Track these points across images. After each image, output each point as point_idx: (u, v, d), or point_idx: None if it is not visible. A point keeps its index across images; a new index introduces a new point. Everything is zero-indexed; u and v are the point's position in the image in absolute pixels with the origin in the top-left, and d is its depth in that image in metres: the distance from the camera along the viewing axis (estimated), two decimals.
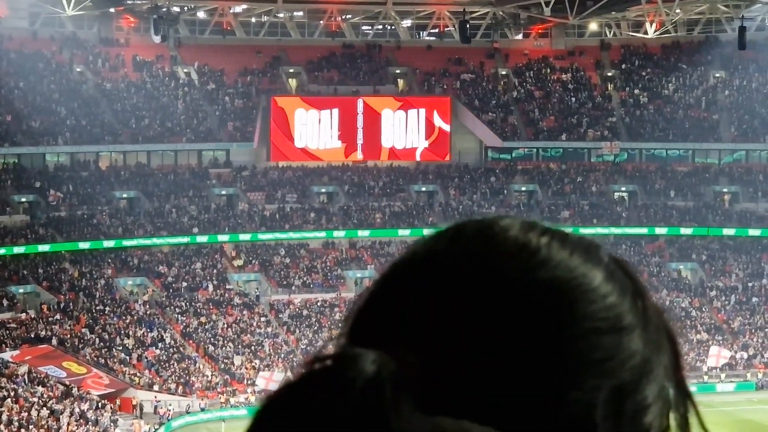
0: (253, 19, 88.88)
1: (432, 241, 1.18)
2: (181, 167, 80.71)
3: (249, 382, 65.65)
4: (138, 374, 64.07)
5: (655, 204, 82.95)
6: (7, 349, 62.30)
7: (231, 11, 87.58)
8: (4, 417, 52.94)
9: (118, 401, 60.41)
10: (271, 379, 62.51)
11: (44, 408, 54.98)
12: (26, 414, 53.92)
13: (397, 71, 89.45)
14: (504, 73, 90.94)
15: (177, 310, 70.99)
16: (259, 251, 77.24)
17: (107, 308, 69.06)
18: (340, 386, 1.04)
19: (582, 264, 1.16)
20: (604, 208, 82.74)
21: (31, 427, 53.09)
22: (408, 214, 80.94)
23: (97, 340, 66.03)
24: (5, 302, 66.63)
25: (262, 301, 73.77)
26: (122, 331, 67.48)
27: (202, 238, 75.98)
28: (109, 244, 72.94)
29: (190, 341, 68.74)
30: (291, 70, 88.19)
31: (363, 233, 79.33)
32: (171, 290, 72.63)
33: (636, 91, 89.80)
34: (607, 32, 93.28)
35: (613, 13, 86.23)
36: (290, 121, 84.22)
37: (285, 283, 75.36)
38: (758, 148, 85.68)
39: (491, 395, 1.09)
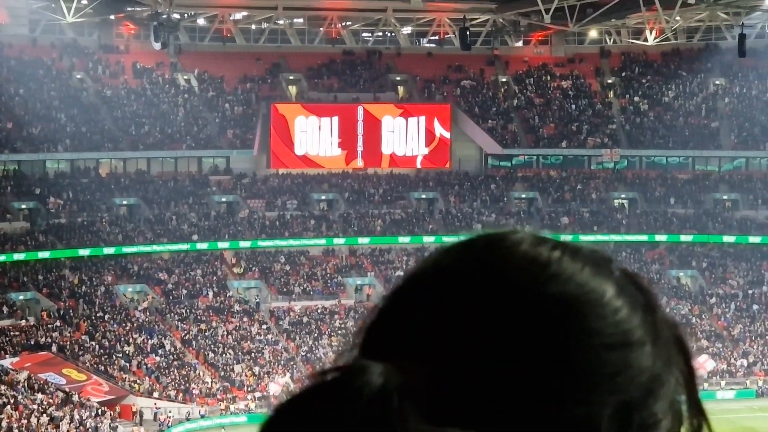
0: (253, 26, 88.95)
1: (443, 255, 1.19)
2: (181, 174, 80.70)
3: (249, 389, 65.65)
4: (138, 381, 64.01)
5: (655, 211, 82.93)
6: (7, 356, 62.25)
7: (231, 18, 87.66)
8: (4, 424, 52.86)
9: (117, 408, 60.36)
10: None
11: (44, 415, 54.95)
12: (26, 421, 53.89)
13: (398, 78, 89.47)
14: (504, 80, 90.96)
15: (177, 317, 70.94)
16: (259, 258, 77.20)
17: (107, 315, 69.00)
18: (347, 397, 1.06)
19: (593, 278, 1.16)
20: (604, 216, 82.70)
21: None
22: (408, 222, 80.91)
23: (97, 347, 65.98)
24: (5, 309, 66.56)
25: (262, 308, 73.71)
26: (122, 338, 67.44)
27: (202, 245, 75.93)
28: (109, 251, 72.91)
29: (190, 348, 68.69)
30: (291, 77, 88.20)
31: (363, 240, 79.30)
32: (171, 297, 72.59)
33: (636, 99, 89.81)
34: (607, 39, 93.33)
35: (613, 20, 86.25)
36: (290, 128, 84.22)
37: (285, 290, 75.31)
38: (758, 155, 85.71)
39: (498, 407, 1.10)
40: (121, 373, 64.34)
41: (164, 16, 79.16)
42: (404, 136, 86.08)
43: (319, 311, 73.49)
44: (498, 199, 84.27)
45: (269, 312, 73.42)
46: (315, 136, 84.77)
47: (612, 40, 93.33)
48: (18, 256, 69.82)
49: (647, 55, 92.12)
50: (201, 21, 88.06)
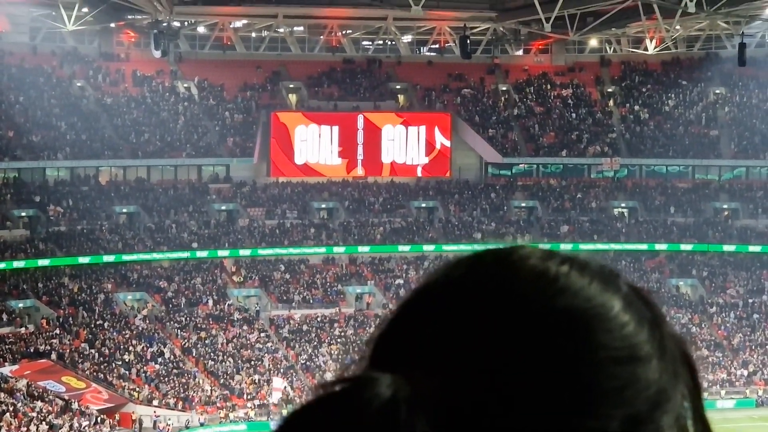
0: (254, 34, 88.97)
1: (452, 269, 1.20)
2: (181, 182, 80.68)
3: (249, 397, 65.60)
4: (137, 389, 63.93)
5: (655, 220, 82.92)
6: (6, 363, 62.18)
7: (231, 26, 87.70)
8: None
9: (117, 416, 60.30)
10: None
11: (43, 423, 54.88)
12: (25, 429, 53.83)
13: (398, 87, 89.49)
14: (504, 88, 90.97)
15: (177, 325, 70.88)
16: (259, 267, 77.16)
17: (107, 323, 68.95)
18: (356, 408, 1.08)
19: (600, 293, 1.17)
20: (604, 224, 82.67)
21: None
22: (408, 230, 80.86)
23: (97, 354, 65.91)
24: (4, 317, 66.54)
25: (261, 316, 73.66)
26: (122, 346, 67.37)
27: (202, 254, 75.90)
28: (108, 258, 72.89)
29: (190, 356, 68.62)
30: (291, 86, 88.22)
31: (363, 249, 79.26)
32: (171, 305, 72.54)
33: (636, 108, 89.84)
34: (608, 48, 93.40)
35: (613, 29, 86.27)
36: (291, 137, 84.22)
37: (285, 298, 75.27)
38: (758, 164, 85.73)
39: (506, 419, 1.11)
40: (121, 380, 64.27)
41: (164, 24, 79.22)
42: (404, 145, 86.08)
43: (318, 319, 73.45)
44: (498, 207, 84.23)
45: (269, 320, 73.38)
46: (315, 145, 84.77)
47: (612, 49, 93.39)
48: (18, 264, 69.78)
49: (647, 64, 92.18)
50: (201, 29, 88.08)
